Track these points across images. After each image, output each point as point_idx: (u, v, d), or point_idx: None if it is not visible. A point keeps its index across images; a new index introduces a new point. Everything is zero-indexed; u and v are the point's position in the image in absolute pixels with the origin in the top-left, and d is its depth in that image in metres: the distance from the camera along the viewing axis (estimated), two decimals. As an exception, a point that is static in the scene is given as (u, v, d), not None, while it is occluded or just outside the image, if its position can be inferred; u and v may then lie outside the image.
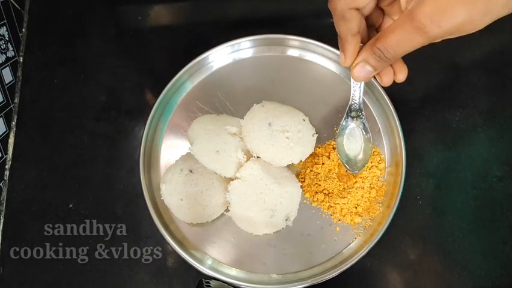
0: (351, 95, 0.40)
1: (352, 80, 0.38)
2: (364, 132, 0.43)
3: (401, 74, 0.35)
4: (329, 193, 0.47)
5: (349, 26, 0.30)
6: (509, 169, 0.49)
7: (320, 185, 0.48)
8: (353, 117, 0.42)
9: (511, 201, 0.48)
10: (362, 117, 0.42)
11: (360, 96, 0.40)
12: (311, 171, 0.48)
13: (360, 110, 0.41)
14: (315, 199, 0.47)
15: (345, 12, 0.29)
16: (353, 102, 0.41)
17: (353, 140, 0.44)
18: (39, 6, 0.61)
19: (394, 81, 0.35)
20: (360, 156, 0.44)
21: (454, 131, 0.51)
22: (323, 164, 0.48)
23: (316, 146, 0.49)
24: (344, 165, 0.45)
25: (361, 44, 0.33)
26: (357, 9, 0.30)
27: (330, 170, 0.48)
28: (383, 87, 0.49)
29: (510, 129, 0.51)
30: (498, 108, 0.52)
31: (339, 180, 0.48)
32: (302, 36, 0.52)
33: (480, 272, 0.46)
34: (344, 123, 0.43)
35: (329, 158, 0.48)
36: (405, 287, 0.46)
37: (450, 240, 0.47)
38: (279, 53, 0.54)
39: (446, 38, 0.28)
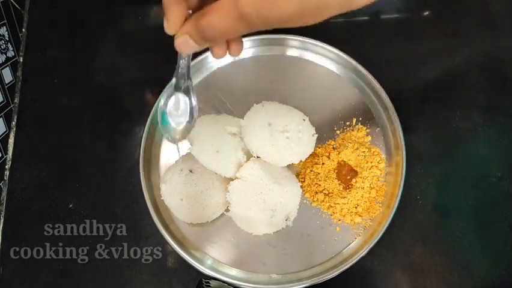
0: (178, 64, 0.36)
1: None
2: (189, 101, 0.38)
3: (235, 49, 0.33)
4: (329, 193, 0.47)
5: None
6: (509, 169, 0.49)
7: (319, 185, 0.48)
8: (180, 88, 0.37)
9: (511, 201, 0.48)
10: (190, 88, 0.37)
11: (187, 66, 0.35)
12: (311, 171, 0.48)
13: (188, 78, 0.36)
14: (315, 199, 0.47)
15: None
16: (179, 73, 0.36)
17: (178, 109, 0.38)
18: (39, 6, 0.61)
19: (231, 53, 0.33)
20: (184, 125, 0.39)
21: (454, 131, 0.51)
22: (323, 164, 0.48)
23: (316, 146, 0.49)
24: (166, 136, 0.39)
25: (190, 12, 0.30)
26: None
27: (330, 170, 0.48)
28: (383, 87, 0.49)
29: (510, 129, 0.51)
30: (498, 108, 0.52)
31: (339, 180, 0.48)
32: (302, 36, 0.52)
33: (480, 272, 0.46)
34: (167, 93, 0.37)
35: (329, 158, 0.48)
36: (405, 287, 0.46)
37: (450, 240, 0.47)
38: (279, 53, 0.54)
39: (274, 27, 0.25)
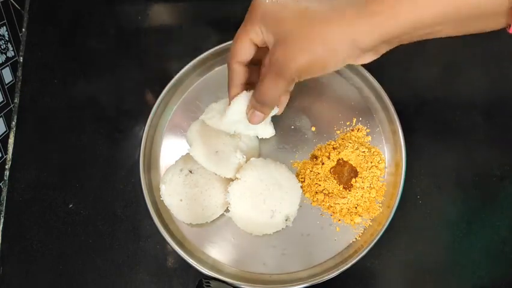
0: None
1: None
2: None
3: (284, 101, 0.43)
4: (328, 193, 0.47)
5: (238, 76, 0.36)
6: (509, 169, 0.49)
7: (319, 185, 0.48)
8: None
9: (511, 201, 0.48)
10: None
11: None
12: (311, 171, 0.48)
13: None
14: (315, 199, 0.47)
15: (232, 65, 0.35)
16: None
17: None
18: (39, 6, 0.61)
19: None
20: None
21: (454, 131, 0.51)
22: (322, 164, 0.48)
23: (316, 146, 0.49)
24: None
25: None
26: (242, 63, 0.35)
27: (330, 170, 0.48)
28: (383, 87, 0.49)
29: (510, 129, 0.51)
30: (498, 108, 0.52)
31: (339, 179, 0.48)
32: (302, 36, 0.52)
33: (480, 272, 0.46)
34: None
35: (329, 158, 0.48)
36: (405, 287, 0.46)
37: (450, 240, 0.47)
38: (279, 53, 0.54)
39: (305, 77, 0.32)
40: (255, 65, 0.37)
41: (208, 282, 0.43)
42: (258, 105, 0.36)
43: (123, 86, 0.56)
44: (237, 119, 0.40)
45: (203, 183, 0.46)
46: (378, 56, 0.32)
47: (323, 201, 0.47)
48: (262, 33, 0.32)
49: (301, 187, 0.48)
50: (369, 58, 0.32)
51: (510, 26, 0.27)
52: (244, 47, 0.34)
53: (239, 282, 0.44)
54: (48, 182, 0.52)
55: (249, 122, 0.38)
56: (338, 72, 0.53)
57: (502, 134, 0.51)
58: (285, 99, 0.43)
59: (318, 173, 0.48)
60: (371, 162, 0.48)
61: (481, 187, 0.49)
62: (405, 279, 0.47)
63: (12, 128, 0.55)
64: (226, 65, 0.53)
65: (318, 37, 0.29)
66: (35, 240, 0.50)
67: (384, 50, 0.31)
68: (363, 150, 0.48)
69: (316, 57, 0.30)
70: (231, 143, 0.47)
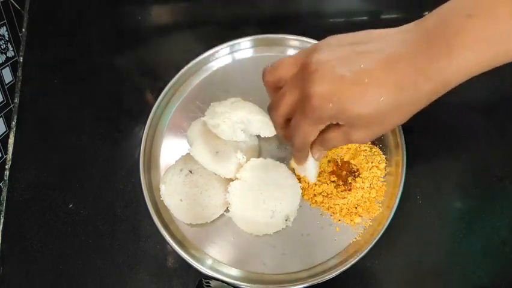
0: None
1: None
2: None
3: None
4: (327, 194, 0.47)
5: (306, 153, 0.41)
6: (509, 169, 0.49)
7: (318, 187, 0.47)
8: None
9: (511, 201, 0.48)
10: None
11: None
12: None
13: None
14: (314, 201, 0.47)
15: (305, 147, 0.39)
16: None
17: None
18: (39, 6, 0.61)
19: None
20: None
21: (454, 131, 0.51)
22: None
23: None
24: None
25: None
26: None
27: (328, 171, 0.48)
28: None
29: (510, 129, 0.51)
30: (498, 108, 0.52)
31: (338, 180, 0.48)
32: (302, 36, 0.52)
33: (480, 272, 0.46)
34: None
35: (326, 157, 0.48)
36: (405, 287, 0.46)
37: (450, 240, 0.47)
38: (279, 53, 0.54)
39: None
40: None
41: (208, 282, 0.43)
42: (323, 149, 0.41)
43: (123, 86, 0.56)
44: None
45: (203, 183, 0.46)
46: None
47: (322, 202, 0.47)
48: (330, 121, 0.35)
49: (301, 188, 0.47)
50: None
51: None
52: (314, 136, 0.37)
53: (239, 282, 0.44)
54: (48, 182, 0.52)
55: (315, 157, 0.42)
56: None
57: (502, 134, 0.51)
58: None
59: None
60: (372, 163, 0.48)
61: (481, 187, 0.49)
62: (405, 279, 0.46)
63: (12, 128, 0.55)
64: (226, 65, 0.54)
65: (388, 116, 0.34)
66: (35, 240, 0.50)
67: None
68: (364, 149, 0.48)
69: (391, 127, 0.36)
70: (232, 143, 0.47)
